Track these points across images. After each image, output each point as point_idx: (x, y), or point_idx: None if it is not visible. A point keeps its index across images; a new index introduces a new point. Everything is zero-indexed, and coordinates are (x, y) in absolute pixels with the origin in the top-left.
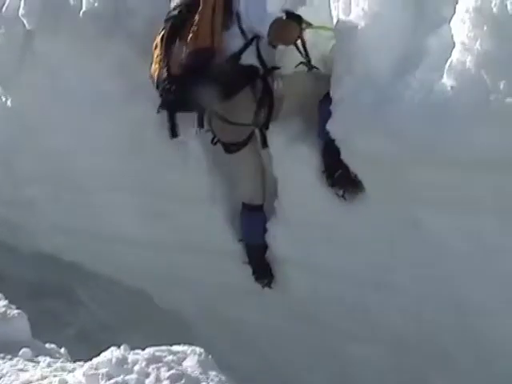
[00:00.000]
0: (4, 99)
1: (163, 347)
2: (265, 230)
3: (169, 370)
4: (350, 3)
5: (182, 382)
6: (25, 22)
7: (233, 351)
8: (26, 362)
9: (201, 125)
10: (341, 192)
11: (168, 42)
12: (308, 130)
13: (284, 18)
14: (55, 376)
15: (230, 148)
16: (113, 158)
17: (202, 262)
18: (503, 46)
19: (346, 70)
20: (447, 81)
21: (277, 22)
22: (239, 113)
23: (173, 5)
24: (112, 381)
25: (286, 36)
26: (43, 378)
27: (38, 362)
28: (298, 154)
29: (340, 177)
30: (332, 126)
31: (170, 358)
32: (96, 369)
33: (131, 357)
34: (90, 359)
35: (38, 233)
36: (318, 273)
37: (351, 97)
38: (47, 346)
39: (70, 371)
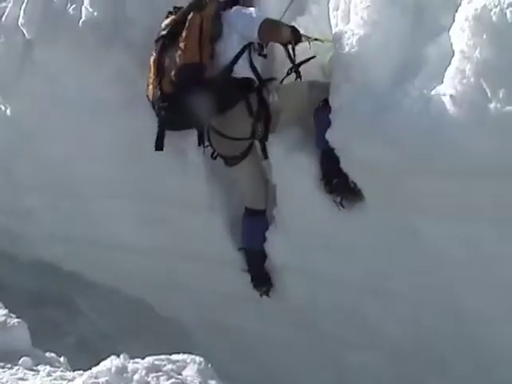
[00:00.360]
0: (3, 107)
1: (163, 356)
2: (265, 238)
3: (168, 379)
4: (349, 12)
5: None
6: (24, 31)
7: (232, 359)
8: (25, 371)
9: (201, 142)
10: (338, 199)
11: (159, 62)
12: (306, 139)
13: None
14: None
15: (230, 161)
16: (111, 166)
17: (202, 270)
18: (502, 54)
19: (344, 79)
20: (446, 89)
21: (267, 21)
22: (235, 127)
23: (163, 25)
24: None
25: (276, 33)
26: None
27: (38, 371)
28: (297, 163)
29: (338, 184)
30: (331, 135)
31: (170, 366)
32: (96, 378)
33: (131, 366)
34: (90, 368)
35: (37, 241)
36: (317, 280)
37: (350, 105)
38: (47, 354)
39: (69, 380)
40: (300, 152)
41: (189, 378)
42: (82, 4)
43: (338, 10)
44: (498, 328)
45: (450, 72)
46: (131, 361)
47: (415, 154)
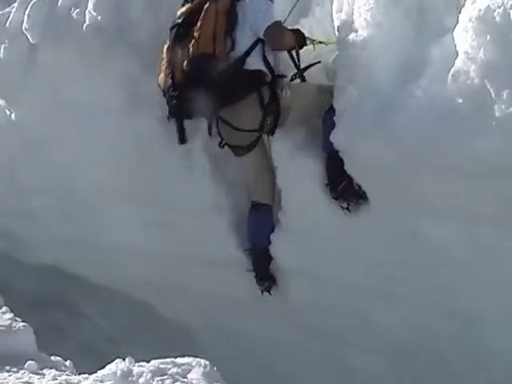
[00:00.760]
0: (8, 111)
1: (168, 359)
2: (269, 234)
3: (174, 383)
4: (353, 14)
5: None
6: (28, 36)
7: (236, 361)
8: (31, 375)
9: (210, 132)
10: (345, 204)
11: (172, 50)
12: (312, 141)
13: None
14: None
15: (238, 151)
16: (115, 169)
17: (206, 273)
18: (506, 54)
19: (348, 81)
20: (450, 90)
21: (272, 27)
22: (245, 119)
23: (178, 13)
24: None
25: (279, 41)
26: None
27: (44, 375)
28: (302, 165)
29: (344, 189)
30: (335, 137)
31: (175, 370)
32: (101, 381)
33: (136, 369)
34: (95, 372)
35: (41, 245)
36: (320, 282)
37: (354, 107)
38: (52, 358)
39: None
40: (305, 154)
41: (194, 382)
42: (86, 8)
43: (341, 11)
44: (500, 329)
45: (454, 73)
46: (136, 364)
47: (419, 155)
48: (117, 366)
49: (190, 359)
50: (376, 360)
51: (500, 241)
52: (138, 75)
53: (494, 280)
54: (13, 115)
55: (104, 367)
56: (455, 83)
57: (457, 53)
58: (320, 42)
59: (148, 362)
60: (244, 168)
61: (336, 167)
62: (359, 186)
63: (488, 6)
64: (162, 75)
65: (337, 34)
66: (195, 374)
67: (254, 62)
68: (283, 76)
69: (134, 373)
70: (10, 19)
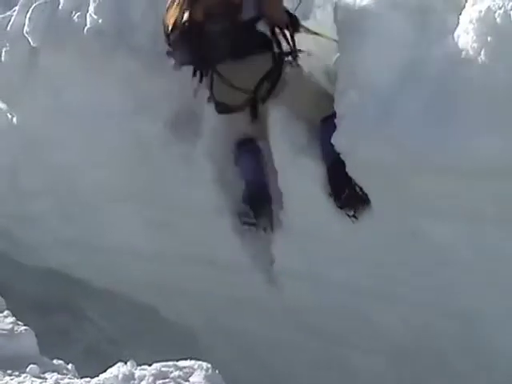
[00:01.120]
0: (9, 115)
1: (170, 363)
2: (264, 169)
3: None
4: (354, 16)
5: None
6: (29, 39)
7: (238, 363)
8: (33, 379)
9: (201, 80)
10: (351, 212)
11: None
12: (312, 143)
13: None
14: None
15: (225, 109)
16: (117, 171)
17: (208, 275)
18: (507, 56)
19: (349, 83)
20: (451, 91)
21: None
22: (244, 78)
23: None
24: None
25: (273, 12)
26: None
27: (46, 379)
28: (303, 167)
29: (348, 197)
30: (337, 139)
31: (177, 373)
32: None
33: (138, 373)
34: (97, 375)
35: (43, 247)
36: (321, 283)
37: (355, 109)
38: (55, 362)
39: None
40: (306, 156)
41: None
42: (87, 11)
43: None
44: (501, 328)
45: (455, 74)
46: (138, 368)
47: (419, 156)
48: (119, 369)
49: (192, 362)
50: (377, 360)
51: (500, 241)
52: (139, 78)
53: (494, 280)
54: (14, 118)
55: (106, 370)
56: (456, 85)
57: (457, 54)
58: (315, 33)
59: (150, 365)
60: (234, 126)
61: (338, 176)
62: (361, 189)
63: (488, 7)
64: (176, 11)
65: (337, 36)
66: (197, 378)
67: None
68: (292, 52)
69: (136, 376)
70: (11, 22)
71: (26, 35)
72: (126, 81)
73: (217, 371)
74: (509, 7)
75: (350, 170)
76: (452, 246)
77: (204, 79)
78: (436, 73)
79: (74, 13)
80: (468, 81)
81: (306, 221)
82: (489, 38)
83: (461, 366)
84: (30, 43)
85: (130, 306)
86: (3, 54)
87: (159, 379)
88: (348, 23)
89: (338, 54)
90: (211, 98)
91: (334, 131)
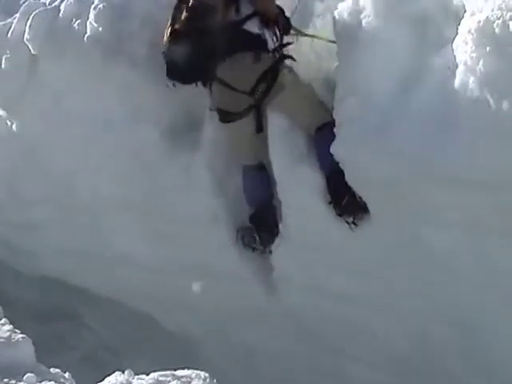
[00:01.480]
0: (9, 122)
1: (168, 372)
2: (269, 187)
3: None
4: (353, 25)
5: None
6: (30, 46)
7: (237, 372)
8: None
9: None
10: (351, 219)
11: (177, 7)
12: (311, 152)
13: None
14: None
15: (227, 117)
16: (116, 180)
17: (208, 285)
18: (506, 66)
19: (348, 92)
20: (450, 101)
21: None
22: (239, 77)
23: None
24: None
25: (266, 6)
26: None
27: None
28: (302, 177)
29: (347, 204)
30: (336, 148)
31: (175, 382)
32: None
33: (135, 382)
34: None
35: (42, 255)
36: (321, 293)
37: (354, 118)
38: (52, 370)
39: None
40: (305, 165)
41: None
42: (87, 19)
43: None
44: (502, 338)
45: (454, 84)
46: (136, 377)
47: (421, 166)
48: (116, 378)
49: (190, 372)
50: (376, 369)
51: (505, 252)
52: (139, 86)
53: (494, 289)
54: (14, 125)
55: (103, 379)
56: (455, 95)
57: (456, 64)
58: (310, 36)
59: (148, 374)
60: (232, 135)
61: (337, 184)
62: (360, 198)
63: (487, 17)
64: (165, 32)
65: (337, 45)
66: None
67: (253, 27)
68: (289, 56)
69: None
70: (11, 30)
71: (27, 42)
72: (125, 89)
73: (215, 380)
74: (507, 17)
75: (349, 178)
76: (452, 255)
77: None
78: (435, 83)
79: (74, 21)
80: (467, 91)
81: (305, 230)
82: (488, 48)
83: (461, 374)
84: (30, 50)
85: (128, 315)
86: (3, 61)
87: None
88: (347, 32)
89: (337, 63)
90: (213, 106)
91: (330, 140)
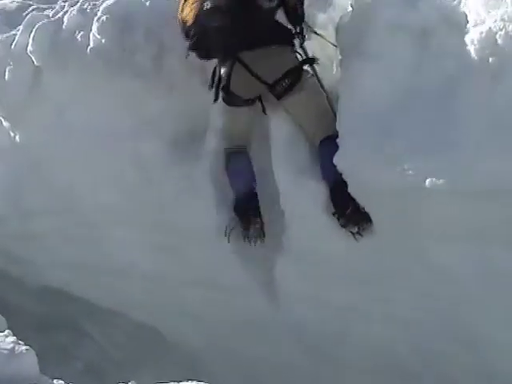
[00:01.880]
0: (12, 134)
1: (170, 383)
2: (254, 177)
3: None
4: (355, 37)
5: None
6: (33, 58)
7: None
8: None
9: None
10: (355, 229)
11: None
12: (314, 163)
13: None
14: None
15: (234, 101)
16: (121, 193)
17: (211, 297)
18: (509, 77)
19: (351, 104)
20: (453, 113)
21: None
22: (265, 67)
23: None
24: None
25: None
26: None
27: None
28: (305, 189)
29: (351, 214)
30: (339, 160)
31: None
32: None
33: None
34: None
35: (45, 267)
36: (325, 306)
37: (357, 130)
38: (55, 382)
39: None
40: (308, 177)
41: None
42: (90, 31)
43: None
44: (507, 352)
45: (457, 96)
46: None
47: (423, 178)
48: None
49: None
50: (378, 381)
51: (504, 262)
52: (142, 98)
53: (503, 303)
54: (17, 137)
55: None
56: (458, 106)
57: (459, 76)
58: (317, 34)
59: None
60: (234, 119)
61: (341, 195)
62: (363, 208)
63: (490, 28)
64: (193, 6)
65: (339, 57)
66: None
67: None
68: (313, 59)
69: None
70: (15, 42)
71: (30, 54)
72: (128, 101)
73: None
74: (510, 28)
75: (352, 190)
76: (456, 267)
77: (222, 70)
78: (438, 94)
79: (77, 32)
80: (470, 102)
81: (308, 242)
82: (490, 59)
83: None
84: (33, 62)
85: (131, 327)
86: (7, 72)
87: None
88: (350, 44)
89: (340, 75)
90: (223, 90)
91: (334, 151)
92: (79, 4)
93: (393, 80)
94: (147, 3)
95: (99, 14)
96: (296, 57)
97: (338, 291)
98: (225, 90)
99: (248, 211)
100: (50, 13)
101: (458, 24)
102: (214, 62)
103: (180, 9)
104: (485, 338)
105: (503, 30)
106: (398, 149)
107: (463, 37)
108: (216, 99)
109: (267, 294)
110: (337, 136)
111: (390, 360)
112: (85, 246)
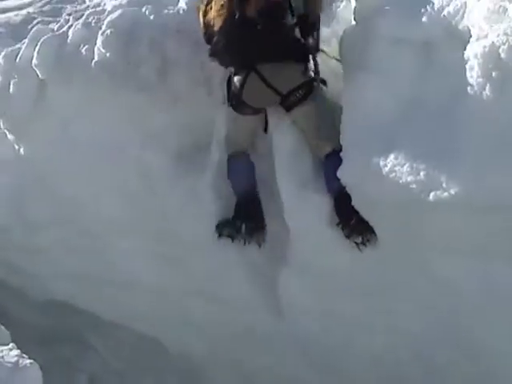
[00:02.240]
0: (17, 146)
1: None
2: (255, 180)
3: None
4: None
5: None
6: (38, 71)
7: None
8: None
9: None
10: (360, 239)
11: None
12: (318, 177)
13: None
14: None
15: (244, 110)
16: (123, 205)
17: (214, 309)
18: None
19: (354, 117)
20: (456, 126)
21: None
22: (282, 79)
23: None
24: None
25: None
26: None
27: None
28: (309, 201)
29: (356, 224)
30: (343, 173)
31: None
32: None
33: None
34: None
35: (48, 279)
36: (330, 318)
37: (360, 143)
38: None
39: None
40: (312, 191)
41: None
42: (95, 45)
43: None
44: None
45: (459, 110)
46: None
47: (425, 191)
48: None
49: None
50: None
51: (507, 277)
52: (146, 111)
53: (499, 315)
54: (21, 150)
55: None
56: (461, 119)
57: (462, 89)
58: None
59: None
60: (240, 126)
61: (344, 207)
62: (367, 222)
63: (493, 42)
64: (221, 12)
65: (342, 70)
66: None
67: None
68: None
69: None
70: (19, 55)
71: (35, 68)
72: (132, 114)
73: None
74: None
75: (356, 203)
76: (459, 280)
77: (235, 78)
78: (441, 108)
79: (82, 46)
80: (473, 116)
81: (312, 255)
82: (493, 73)
83: None
84: (38, 76)
85: (134, 338)
86: (12, 86)
87: None
88: (353, 58)
89: (344, 88)
90: (235, 97)
91: (338, 165)
92: (84, 18)
93: (396, 93)
94: (151, 17)
95: (104, 27)
96: (309, 71)
97: (342, 303)
98: (236, 98)
99: (249, 213)
100: (55, 26)
101: (460, 38)
102: (222, 71)
103: (202, 12)
104: (487, 349)
105: (506, 44)
106: (401, 162)
107: (466, 51)
108: (229, 105)
109: (271, 306)
110: (341, 149)
111: (393, 371)
112: (88, 257)
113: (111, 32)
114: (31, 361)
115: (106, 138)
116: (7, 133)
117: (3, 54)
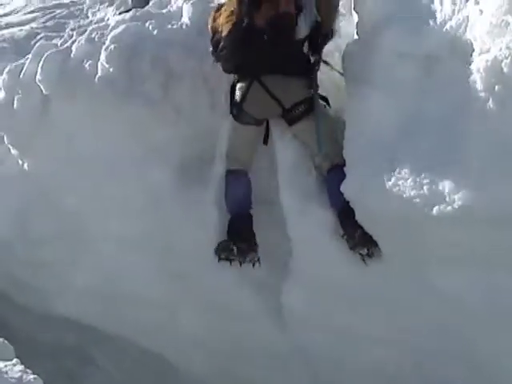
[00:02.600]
0: (20, 162)
1: None
2: (250, 201)
3: None
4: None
5: None
6: (41, 87)
7: None
8: None
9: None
10: (365, 251)
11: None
12: (320, 190)
13: None
14: None
15: (246, 120)
16: (128, 219)
17: (220, 323)
18: None
19: (358, 131)
20: (459, 140)
21: None
22: (286, 92)
23: None
24: None
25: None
26: None
27: None
28: (313, 215)
29: (361, 236)
30: (346, 187)
31: None
32: None
33: None
34: None
35: (52, 294)
36: (333, 331)
37: (364, 158)
38: None
39: None
40: (315, 203)
41: None
42: (98, 60)
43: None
44: None
45: (462, 123)
46: None
47: (428, 205)
48: None
49: None
50: None
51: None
52: (150, 126)
53: (505, 328)
54: (25, 164)
55: None
56: (464, 134)
57: (465, 103)
58: (323, 62)
59: None
60: (240, 136)
61: (348, 219)
62: (371, 236)
63: (495, 56)
64: (230, 18)
65: (345, 84)
66: None
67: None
68: (324, 98)
69: None
70: (23, 70)
71: (38, 83)
72: (136, 129)
73: None
74: None
75: (359, 217)
76: (462, 293)
77: (238, 86)
78: (443, 122)
79: (85, 61)
80: (476, 130)
81: (316, 268)
82: (496, 87)
83: None
84: (42, 91)
85: (139, 353)
86: (15, 101)
87: None
88: (356, 72)
89: (346, 102)
90: (236, 106)
91: (341, 179)
92: (87, 33)
93: (399, 107)
94: (154, 32)
95: (107, 42)
96: (311, 86)
97: (345, 315)
98: (237, 107)
99: (241, 234)
100: (59, 42)
101: (463, 52)
102: (225, 84)
103: (212, 18)
104: (489, 361)
105: (509, 58)
106: (404, 176)
107: (469, 65)
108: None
109: (275, 320)
110: (344, 164)
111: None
112: (91, 271)
113: (115, 47)
114: (35, 376)
115: (110, 152)
116: (11, 148)
117: (7, 69)
